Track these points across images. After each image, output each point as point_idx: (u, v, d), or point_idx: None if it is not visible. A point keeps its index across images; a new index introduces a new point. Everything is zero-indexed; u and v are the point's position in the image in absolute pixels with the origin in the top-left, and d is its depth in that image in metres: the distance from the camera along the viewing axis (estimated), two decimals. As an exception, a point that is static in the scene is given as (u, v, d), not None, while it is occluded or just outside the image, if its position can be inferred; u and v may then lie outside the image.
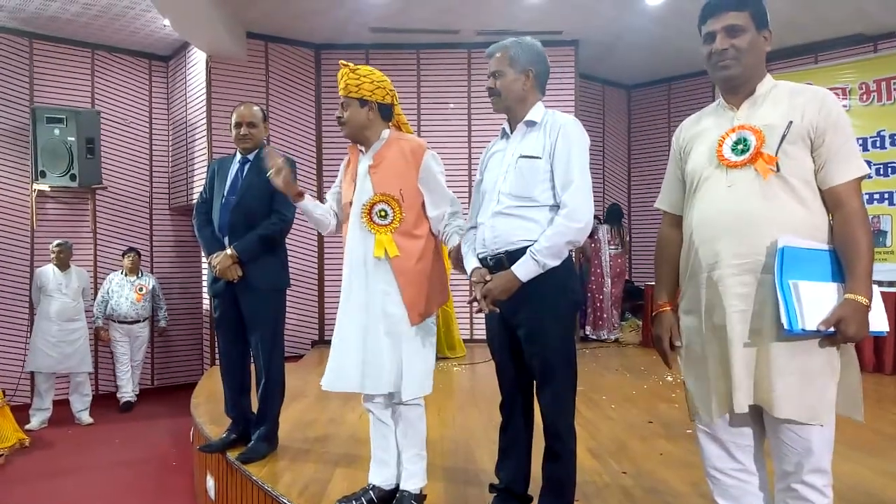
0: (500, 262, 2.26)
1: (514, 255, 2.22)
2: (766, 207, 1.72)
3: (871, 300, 1.63)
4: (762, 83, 1.83)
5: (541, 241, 2.17)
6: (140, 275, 6.80)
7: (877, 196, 6.65)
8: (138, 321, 6.73)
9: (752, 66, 1.81)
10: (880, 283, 5.96)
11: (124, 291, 6.63)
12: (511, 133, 2.36)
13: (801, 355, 1.67)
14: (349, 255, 2.59)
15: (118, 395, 6.74)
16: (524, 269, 2.18)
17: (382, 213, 2.50)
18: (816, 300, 1.63)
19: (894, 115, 6.64)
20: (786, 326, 1.61)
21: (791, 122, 1.72)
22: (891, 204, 6.67)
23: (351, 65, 2.57)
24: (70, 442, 5.61)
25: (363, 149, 2.63)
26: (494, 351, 2.45)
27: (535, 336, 2.24)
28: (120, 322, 6.65)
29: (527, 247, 2.19)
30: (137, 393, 6.86)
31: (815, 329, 1.61)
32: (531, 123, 2.30)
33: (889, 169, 6.67)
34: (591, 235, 7.58)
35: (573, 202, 2.16)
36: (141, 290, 6.69)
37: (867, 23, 6.59)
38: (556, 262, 2.18)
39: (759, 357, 1.71)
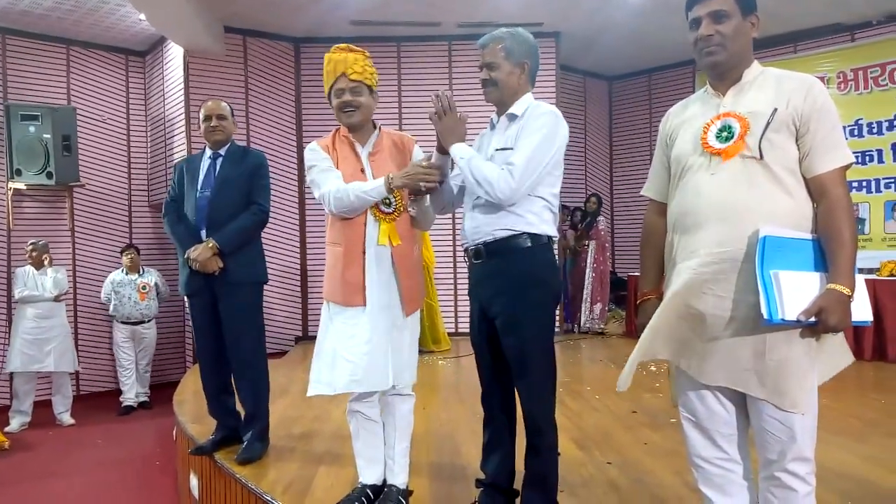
0: (479, 253, 2.28)
1: (491, 245, 2.24)
2: (749, 196, 1.71)
3: (853, 290, 1.63)
4: (749, 70, 1.81)
5: (481, 163, 2.19)
6: (142, 272, 6.66)
7: (855, 184, 6.73)
8: (143, 321, 6.60)
9: (738, 53, 1.79)
10: (860, 271, 6.06)
11: (126, 291, 6.50)
12: (496, 124, 2.36)
13: (781, 344, 1.68)
14: (369, 248, 2.45)
15: (120, 399, 6.63)
16: (460, 151, 2.24)
17: (387, 202, 2.45)
18: (797, 290, 1.63)
19: (872, 103, 6.72)
20: (765, 316, 1.61)
21: (776, 110, 1.71)
22: (869, 192, 6.76)
23: (362, 50, 2.52)
24: (51, 444, 5.54)
25: (353, 137, 2.55)
26: (474, 343, 2.44)
27: (511, 327, 2.24)
28: (124, 323, 6.54)
29: (505, 237, 2.21)
30: (149, 394, 6.76)
31: (795, 319, 1.61)
32: (513, 116, 2.30)
33: (867, 157, 6.75)
34: (595, 226, 7.57)
35: (512, 184, 2.13)
36: (144, 288, 6.55)
37: (844, 12, 6.65)
38: (469, 176, 2.20)
39: (737, 344, 1.71)
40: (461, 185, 2.44)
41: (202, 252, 3.11)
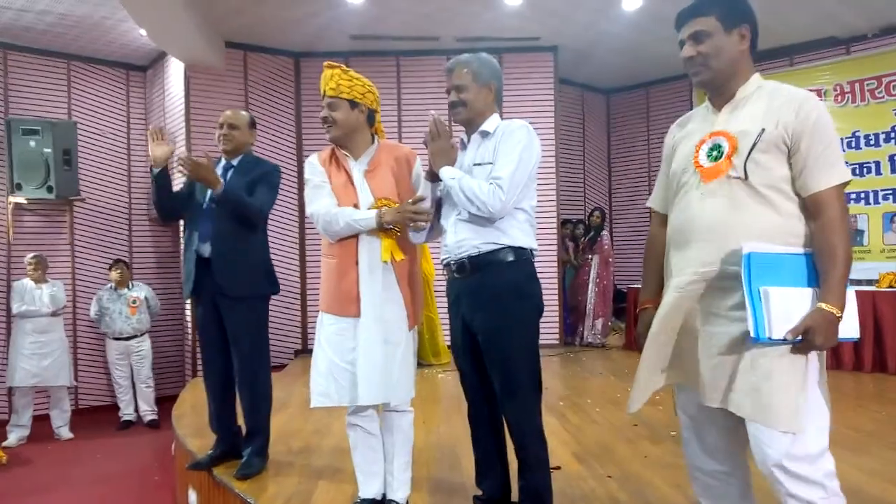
0: (463, 267, 2.30)
1: (476, 259, 2.26)
2: (733, 216, 1.71)
3: (842, 310, 1.61)
4: (746, 85, 1.79)
5: (471, 182, 2.20)
6: (130, 287, 6.59)
7: (853, 196, 6.75)
8: (135, 336, 6.52)
9: (724, 70, 1.78)
10: (858, 283, 6.05)
11: (116, 306, 6.44)
12: (468, 143, 2.41)
13: (767, 361, 1.64)
14: (363, 261, 2.47)
15: (119, 414, 6.58)
16: (450, 173, 2.26)
17: None
18: (786, 307, 1.62)
19: (869, 115, 6.76)
20: (752, 335, 1.61)
21: (763, 130, 1.68)
22: (867, 203, 6.78)
23: (342, 66, 2.54)
24: (49, 458, 5.51)
25: (348, 153, 2.58)
26: (458, 360, 2.45)
27: (494, 341, 2.25)
28: (116, 339, 6.49)
29: (490, 251, 2.23)
30: (156, 412, 6.60)
31: (781, 338, 1.61)
32: (485, 134, 2.35)
33: (864, 169, 6.77)
34: (598, 241, 7.57)
35: (502, 197, 2.17)
36: (134, 302, 6.48)
37: (839, 26, 6.69)
38: (460, 195, 2.21)
39: (725, 363, 1.70)
40: (438, 205, 2.46)
41: (207, 165, 3.01)
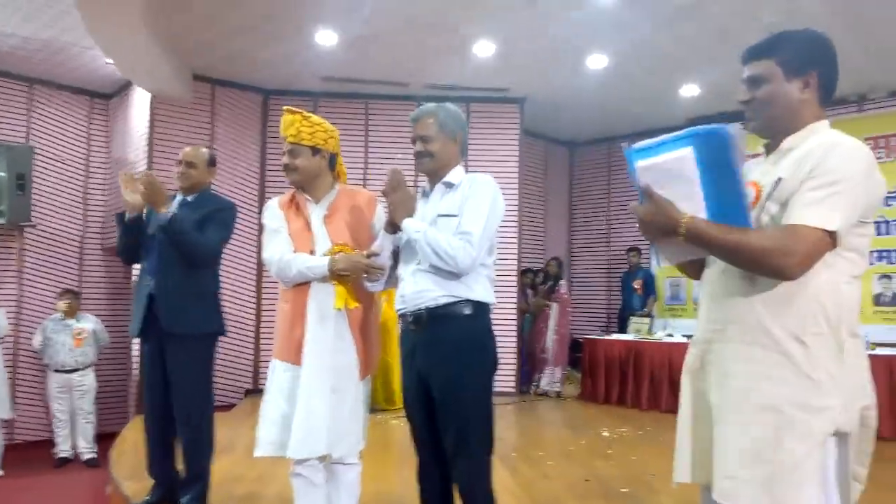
0: (420, 318, 2.25)
1: (435, 311, 2.22)
2: (734, 276, 1.55)
3: (682, 237, 1.49)
4: (795, 136, 1.58)
5: (438, 236, 2.17)
6: (78, 318, 6.34)
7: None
8: (78, 369, 6.23)
9: (778, 119, 1.60)
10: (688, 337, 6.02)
11: (61, 337, 6.17)
12: (430, 193, 2.39)
13: (777, 443, 1.43)
14: (311, 308, 2.44)
15: (53, 451, 6.26)
16: (414, 225, 2.21)
17: None
18: (675, 176, 1.51)
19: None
20: (633, 146, 1.58)
21: (779, 180, 1.51)
22: (889, 262, 6.88)
23: (303, 111, 2.54)
24: (-24, 496, 5.22)
25: (310, 197, 2.57)
26: (410, 414, 2.39)
27: (449, 395, 2.21)
28: (57, 371, 6.19)
29: (447, 304, 2.20)
30: (96, 451, 6.25)
31: (637, 175, 1.56)
32: (450, 185, 2.33)
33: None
34: (557, 289, 7.64)
35: (472, 253, 2.16)
36: (80, 334, 6.22)
37: (850, 84, 6.70)
38: (426, 249, 2.16)
39: (722, 438, 1.52)
40: (396, 254, 2.42)
41: (160, 188, 2.96)
